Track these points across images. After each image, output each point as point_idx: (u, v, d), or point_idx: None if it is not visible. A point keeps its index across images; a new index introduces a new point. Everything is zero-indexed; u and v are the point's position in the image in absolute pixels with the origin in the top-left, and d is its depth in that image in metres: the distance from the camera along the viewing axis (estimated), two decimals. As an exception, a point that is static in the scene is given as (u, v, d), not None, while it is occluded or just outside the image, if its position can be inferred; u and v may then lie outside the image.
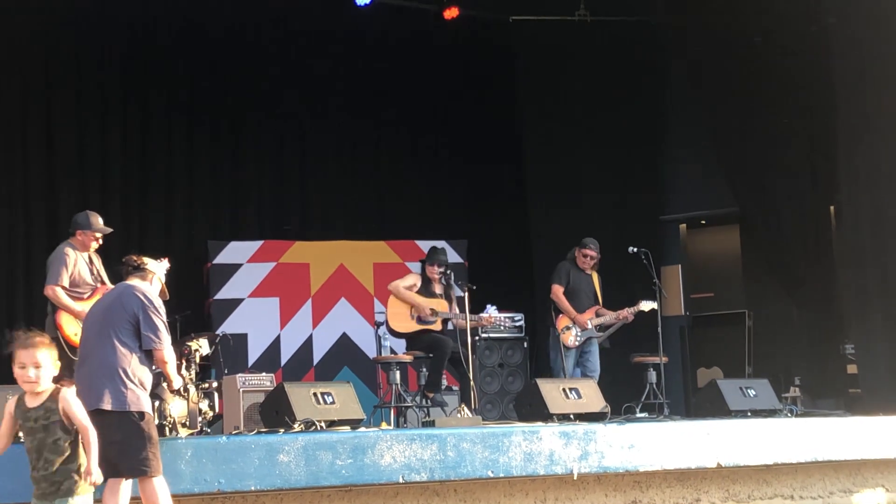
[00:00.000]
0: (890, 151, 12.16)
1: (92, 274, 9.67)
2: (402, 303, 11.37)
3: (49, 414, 6.05)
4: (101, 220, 9.74)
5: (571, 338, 11.95)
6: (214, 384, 8.93)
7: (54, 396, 6.10)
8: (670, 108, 15.14)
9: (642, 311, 11.98)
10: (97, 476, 6.18)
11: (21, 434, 6.16)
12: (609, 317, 12.05)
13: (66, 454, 6.03)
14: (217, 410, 8.82)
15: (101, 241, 9.79)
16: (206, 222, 14.43)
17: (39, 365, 6.03)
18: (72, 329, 9.34)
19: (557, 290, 12.14)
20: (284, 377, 13.23)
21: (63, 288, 9.42)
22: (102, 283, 9.71)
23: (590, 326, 12.02)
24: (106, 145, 13.88)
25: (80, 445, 6.14)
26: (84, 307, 9.22)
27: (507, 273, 14.97)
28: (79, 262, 9.57)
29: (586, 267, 12.22)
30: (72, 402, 6.14)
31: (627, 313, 12.00)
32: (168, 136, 14.27)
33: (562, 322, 12.05)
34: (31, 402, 6.09)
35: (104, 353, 7.06)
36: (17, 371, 6.07)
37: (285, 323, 14.12)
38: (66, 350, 9.13)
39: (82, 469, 6.10)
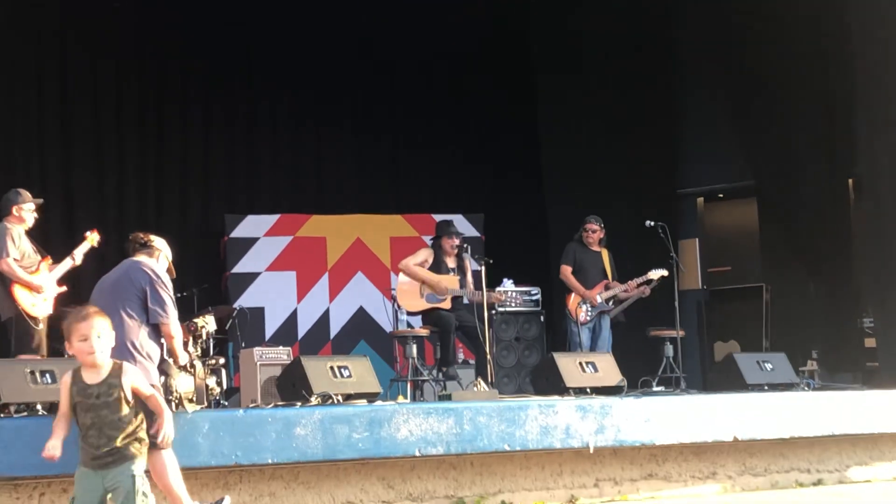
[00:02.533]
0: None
1: (33, 248, 9.83)
2: (411, 281, 11.38)
3: (112, 390, 5.94)
4: (29, 195, 9.95)
5: (583, 314, 11.97)
6: (222, 361, 8.95)
7: (116, 372, 6.00)
8: (687, 82, 15.06)
9: (651, 280, 12.00)
10: (172, 437, 6.23)
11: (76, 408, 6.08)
12: (618, 289, 12.07)
13: (130, 428, 5.99)
14: (224, 386, 8.85)
15: (37, 214, 10.01)
16: (223, 196, 14.47)
17: (100, 335, 5.98)
18: (28, 300, 9.54)
19: (565, 270, 12.21)
20: (301, 351, 13.27)
21: (15, 261, 9.59)
22: (43, 256, 9.93)
23: (600, 301, 12.04)
24: (122, 121, 13.93)
25: (139, 414, 6.09)
26: (35, 279, 9.40)
27: (524, 247, 14.99)
28: (22, 236, 9.79)
29: (592, 243, 12.25)
30: (135, 376, 6.11)
31: (636, 284, 12.03)
32: (184, 111, 14.32)
33: (573, 300, 12.09)
34: (91, 378, 5.98)
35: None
36: (77, 345, 5.99)
37: (302, 297, 14.16)
38: (28, 322, 9.32)
39: (141, 433, 6.07)
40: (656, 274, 11.99)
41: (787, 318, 13.83)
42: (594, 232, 12.24)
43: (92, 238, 10.26)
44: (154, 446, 6.45)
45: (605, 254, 12.33)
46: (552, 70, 15.18)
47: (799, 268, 13.80)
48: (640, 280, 12.05)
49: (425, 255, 11.52)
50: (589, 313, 12.01)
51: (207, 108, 14.45)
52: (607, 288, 12.13)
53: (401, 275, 11.48)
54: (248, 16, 14.40)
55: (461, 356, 12.78)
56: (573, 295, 12.12)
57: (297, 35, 14.72)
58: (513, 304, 12.13)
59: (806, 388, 10.91)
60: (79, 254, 10.11)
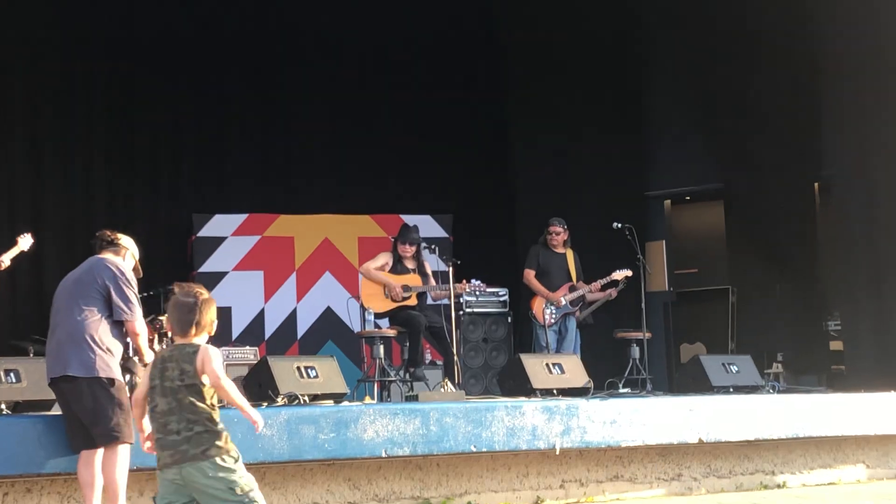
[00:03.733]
0: (875, 131, 12.17)
1: None
2: (374, 283, 11.42)
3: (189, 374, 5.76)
4: None
5: (547, 316, 11.98)
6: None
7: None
8: (655, 84, 15.10)
9: (616, 281, 12.04)
10: (260, 419, 5.92)
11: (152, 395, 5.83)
12: (583, 290, 12.10)
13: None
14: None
15: None
16: (191, 195, 14.42)
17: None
18: None
19: (528, 275, 12.26)
20: (268, 351, 13.24)
21: None
22: None
23: (564, 302, 12.07)
24: (90, 117, 13.86)
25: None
26: None
27: (493, 248, 14.97)
28: None
29: (556, 245, 12.28)
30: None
31: (600, 285, 12.06)
32: (153, 109, 14.24)
33: (537, 303, 12.11)
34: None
35: (72, 322, 7.10)
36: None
37: (269, 296, 14.12)
38: None
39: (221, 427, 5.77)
40: (620, 274, 12.03)
41: (753, 320, 13.89)
42: (557, 234, 12.26)
43: (23, 243, 10.15)
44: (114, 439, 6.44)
45: (569, 255, 12.35)
46: (523, 71, 15.18)
47: (765, 270, 13.87)
48: (604, 281, 12.08)
49: (385, 258, 11.58)
50: (554, 315, 12.03)
51: (175, 107, 14.37)
52: (572, 289, 12.15)
53: (363, 278, 11.52)
54: (213, 12, 14.34)
55: (428, 357, 12.78)
56: (538, 298, 12.15)
57: (264, 32, 14.67)
58: (477, 294, 12.12)
59: (771, 391, 10.96)
60: (7, 257, 10.01)
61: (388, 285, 11.35)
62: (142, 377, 6.05)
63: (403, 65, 15.23)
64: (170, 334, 5.95)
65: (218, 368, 5.73)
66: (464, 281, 11.33)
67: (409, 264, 11.59)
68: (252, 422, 5.89)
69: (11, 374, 7.65)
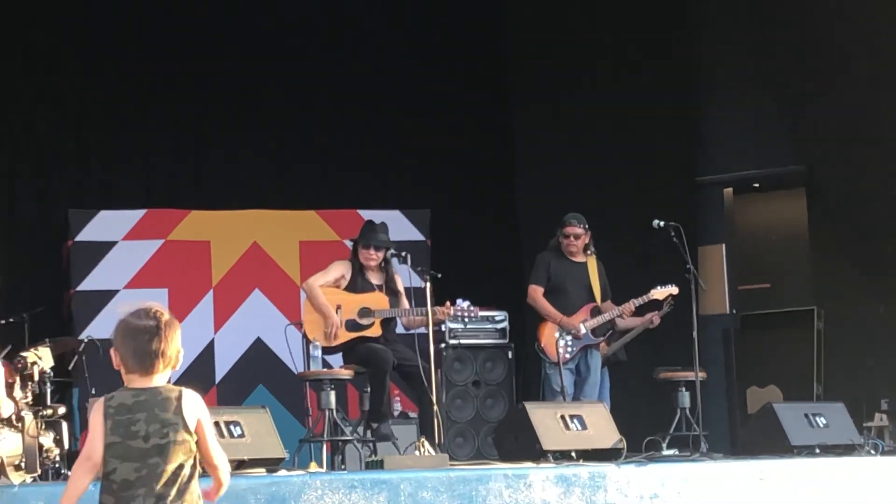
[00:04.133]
0: None
1: None
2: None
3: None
4: None
5: (561, 349, 11.95)
6: (61, 410, 8.90)
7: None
8: (709, 30, 15.14)
9: (658, 301, 12.05)
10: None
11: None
12: (611, 313, 12.10)
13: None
14: (67, 447, 8.81)
15: None
16: (66, 185, 14.40)
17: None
18: None
19: (535, 292, 12.28)
20: (174, 398, 13.21)
21: None
22: None
23: (584, 331, 12.03)
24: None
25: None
26: None
27: (486, 256, 14.99)
28: None
29: (575, 252, 12.26)
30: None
31: (634, 307, 12.05)
32: (14, 75, 14.24)
33: (547, 332, 12.11)
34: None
35: None
36: None
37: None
38: None
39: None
40: (663, 292, 12.04)
41: (848, 353, 13.93)
42: (577, 237, 12.22)
43: None
44: None
45: (592, 265, 12.33)
46: (527, 14, 15.22)
47: (864, 285, 13.91)
48: (639, 301, 12.07)
49: (341, 269, 11.58)
50: (570, 348, 12.00)
51: (55, 69, 14.38)
52: (595, 313, 12.15)
53: (306, 300, 11.53)
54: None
55: (398, 407, 12.77)
56: (548, 324, 12.14)
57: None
58: (465, 320, 12.13)
59: (873, 452, 10.98)
60: None
61: (326, 316, 11.32)
62: (91, 432, 5.95)
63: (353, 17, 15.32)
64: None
65: (214, 434, 5.71)
66: (447, 304, 11.33)
67: (375, 278, 11.59)
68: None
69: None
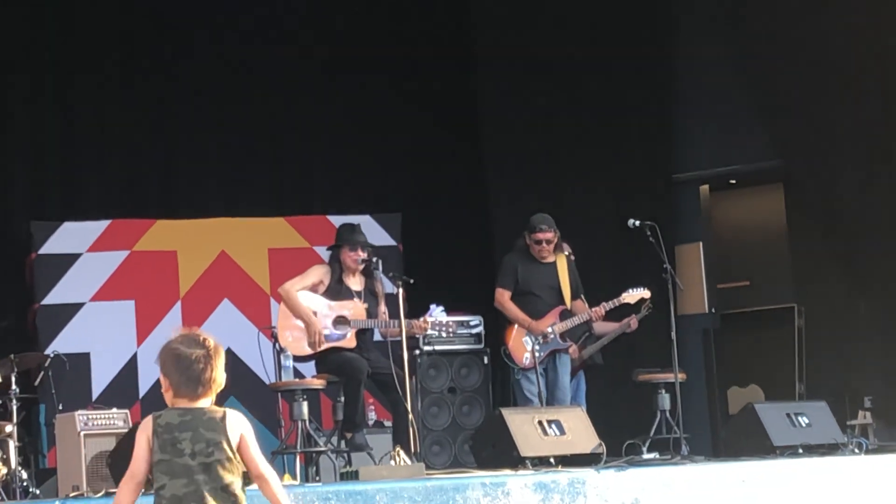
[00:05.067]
0: None
1: None
2: (297, 316, 11.39)
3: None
4: None
5: (527, 354, 11.91)
6: (8, 429, 8.86)
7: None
8: (684, 23, 15.16)
9: (630, 304, 12.03)
10: None
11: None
12: (580, 316, 12.07)
13: None
14: (33, 467, 8.78)
15: None
16: (28, 196, 14.35)
17: None
18: None
19: (502, 296, 12.22)
20: (143, 415, 13.09)
21: None
22: None
23: (553, 335, 11.99)
24: None
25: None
26: None
27: (459, 260, 14.98)
28: None
29: (543, 255, 12.20)
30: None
31: (605, 310, 12.01)
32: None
33: (513, 336, 12.09)
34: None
35: None
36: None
37: (144, 336, 14.08)
38: None
39: None
40: (634, 296, 12.00)
41: (830, 351, 13.95)
42: (548, 243, 12.16)
43: None
44: None
45: (561, 263, 12.25)
46: (496, 14, 15.23)
47: (845, 281, 13.92)
48: (610, 304, 12.04)
49: (319, 274, 11.51)
50: (538, 352, 11.92)
51: (3, 82, 14.35)
52: (565, 316, 12.11)
53: (282, 304, 11.46)
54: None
55: (372, 416, 12.75)
56: (514, 328, 12.11)
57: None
58: (444, 335, 12.12)
59: (857, 451, 11.00)
60: None
61: (308, 323, 11.27)
62: (136, 450, 6.13)
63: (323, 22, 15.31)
64: (171, 396, 6.09)
65: (258, 449, 5.97)
66: (424, 319, 11.28)
67: (355, 284, 11.54)
68: None
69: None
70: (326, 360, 11.34)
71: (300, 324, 11.38)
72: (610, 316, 12.22)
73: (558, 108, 14.86)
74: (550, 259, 12.26)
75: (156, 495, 5.90)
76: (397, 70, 15.28)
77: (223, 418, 5.93)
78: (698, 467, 9.92)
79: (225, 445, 5.90)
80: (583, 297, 12.26)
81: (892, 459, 10.42)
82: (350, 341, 11.34)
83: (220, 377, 6.01)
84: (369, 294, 11.53)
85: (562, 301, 12.18)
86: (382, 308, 11.49)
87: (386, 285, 11.63)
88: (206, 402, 5.99)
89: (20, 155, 14.41)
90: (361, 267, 11.49)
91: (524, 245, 12.26)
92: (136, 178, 14.82)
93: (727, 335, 14.96)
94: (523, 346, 11.96)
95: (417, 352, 12.84)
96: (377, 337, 11.74)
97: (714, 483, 9.54)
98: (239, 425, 5.94)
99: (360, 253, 11.44)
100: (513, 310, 12.15)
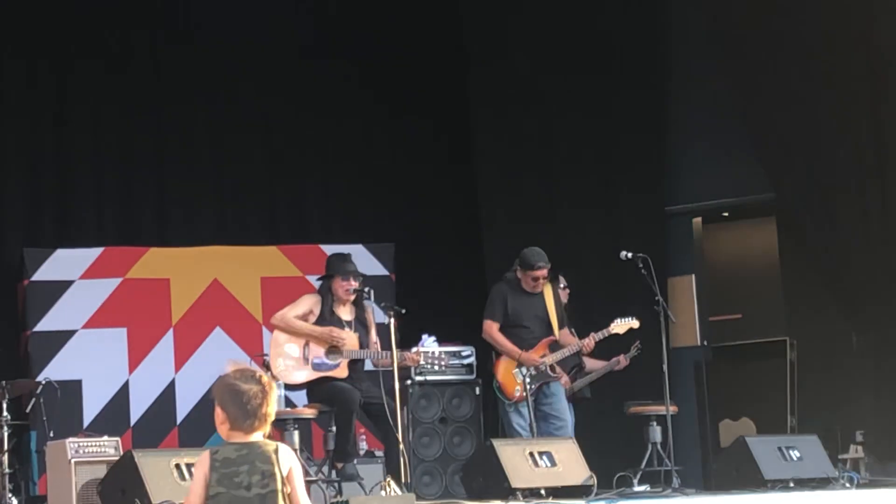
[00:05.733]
0: None
1: None
2: (291, 341, 11.39)
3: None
4: None
5: (517, 387, 11.88)
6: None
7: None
8: (678, 58, 15.20)
9: (616, 335, 12.03)
10: None
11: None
12: (569, 348, 12.06)
13: None
14: (24, 495, 8.81)
15: None
16: (21, 223, 14.37)
17: None
18: None
19: (490, 328, 12.15)
20: (135, 443, 13.18)
21: None
22: None
23: (544, 367, 11.95)
24: None
25: None
26: None
27: (451, 290, 14.99)
28: None
29: (538, 289, 12.17)
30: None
31: (594, 340, 12.00)
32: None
33: (503, 368, 12.07)
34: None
35: None
36: None
37: (136, 364, 14.08)
38: None
39: None
40: (622, 326, 12.00)
41: (821, 384, 13.95)
42: (544, 278, 12.08)
43: None
44: None
45: (547, 292, 12.23)
46: (490, 41, 15.27)
47: (837, 316, 13.93)
48: (599, 335, 12.02)
49: (310, 304, 11.51)
50: (529, 384, 11.87)
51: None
52: (554, 347, 12.12)
53: (276, 332, 11.48)
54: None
55: (364, 445, 12.75)
56: (503, 360, 12.07)
57: None
58: (436, 368, 12.13)
59: (848, 485, 11.01)
60: None
61: (323, 335, 11.26)
62: (193, 485, 6.32)
63: (330, 29, 15.35)
64: (227, 429, 6.29)
65: (303, 484, 6.15)
66: (416, 351, 11.29)
67: (345, 313, 11.54)
68: None
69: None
70: (318, 389, 11.36)
71: (292, 352, 11.40)
72: (600, 350, 12.22)
73: (551, 140, 14.88)
74: (538, 289, 12.26)
75: None
76: (392, 101, 15.30)
77: (276, 451, 6.11)
78: (689, 500, 9.96)
79: (278, 477, 6.07)
80: (568, 326, 12.26)
81: (883, 494, 10.45)
82: (342, 371, 11.36)
83: (272, 412, 6.19)
84: (359, 324, 11.54)
85: (550, 331, 12.16)
86: (374, 338, 11.51)
87: (378, 315, 11.65)
88: (259, 436, 6.17)
89: (14, 182, 14.43)
90: (353, 297, 11.51)
91: (514, 277, 12.25)
92: (130, 206, 14.83)
93: (719, 368, 14.96)
94: (514, 379, 11.93)
95: (409, 382, 12.85)
96: (369, 366, 11.76)
97: (705, 516, 9.58)
98: (289, 459, 6.12)
99: (353, 283, 11.45)
100: (502, 342, 12.11)
